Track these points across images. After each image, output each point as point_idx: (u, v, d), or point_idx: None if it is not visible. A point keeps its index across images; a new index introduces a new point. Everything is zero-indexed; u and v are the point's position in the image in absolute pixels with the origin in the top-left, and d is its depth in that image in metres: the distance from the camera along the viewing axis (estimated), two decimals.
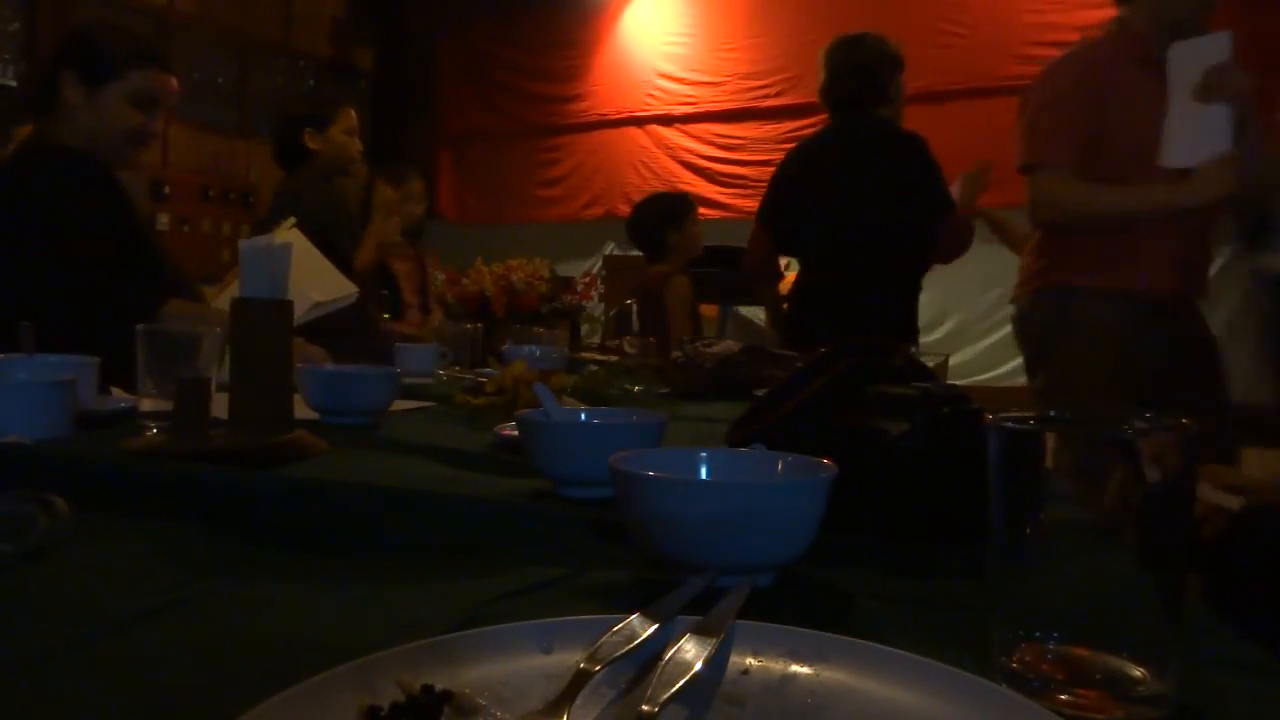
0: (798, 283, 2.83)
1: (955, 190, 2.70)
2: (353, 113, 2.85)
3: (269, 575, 0.60)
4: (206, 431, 0.96)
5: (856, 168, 2.59)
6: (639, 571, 0.61)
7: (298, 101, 3.06)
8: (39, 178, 1.74)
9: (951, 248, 2.64)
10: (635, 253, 5.51)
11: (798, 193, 2.70)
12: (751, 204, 6.16)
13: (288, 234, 1.70)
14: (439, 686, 0.37)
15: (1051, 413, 0.46)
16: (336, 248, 2.23)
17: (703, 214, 6.04)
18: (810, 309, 2.68)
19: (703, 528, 0.56)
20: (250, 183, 6.27)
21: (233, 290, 1.28)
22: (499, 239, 5.65)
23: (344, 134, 2.81)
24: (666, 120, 6.64)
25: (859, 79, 2.62)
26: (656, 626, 0.43)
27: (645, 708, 0.36)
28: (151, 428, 1.03)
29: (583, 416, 0.97)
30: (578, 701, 0.37)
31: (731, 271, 3.71)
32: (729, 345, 2.07)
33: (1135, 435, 0.43)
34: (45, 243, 1.71)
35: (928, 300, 5.05)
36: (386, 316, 2.77)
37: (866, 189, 2.55)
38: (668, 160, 6.57)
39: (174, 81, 1.92)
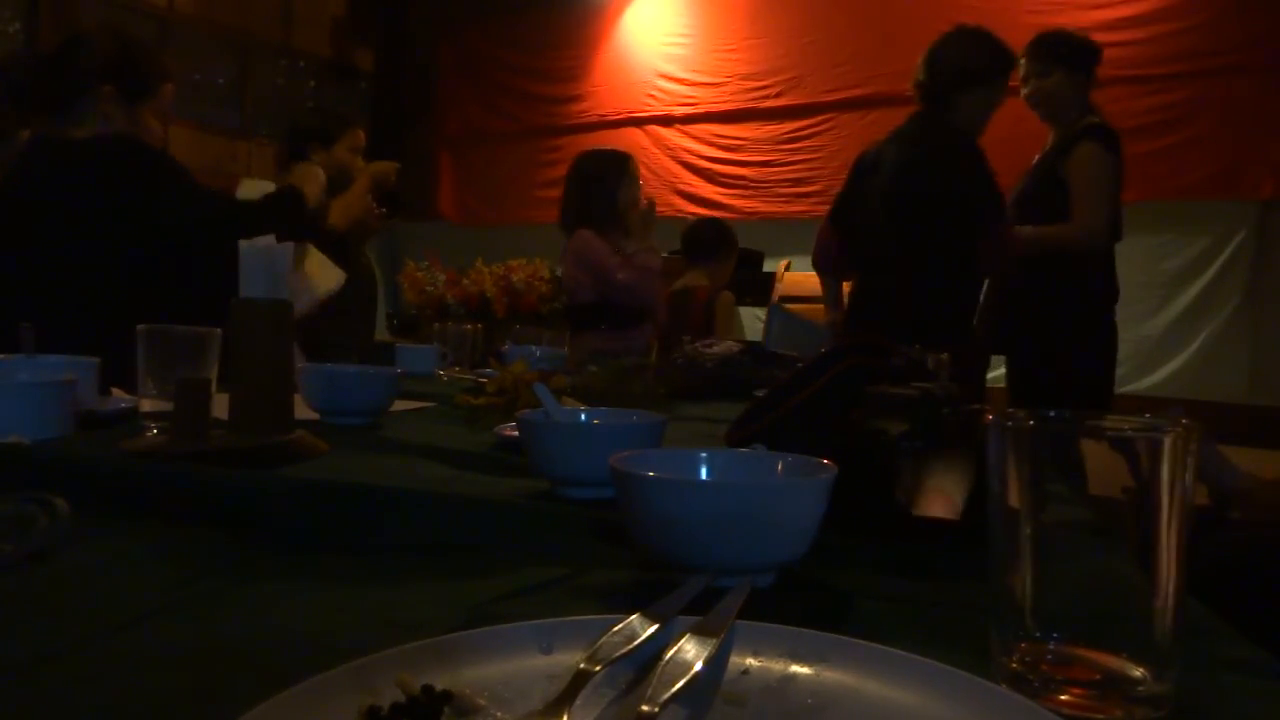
0: (855, 284, 2.76)
1: None
2: (360, 133, 2.95)
3: (269, 575, 0.60)
4: (206, 431, 0.96)
5: (907, 172, 2.51)
6: (639, 572, 0.61)
7: (309, 114, 3.12)
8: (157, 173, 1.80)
9: (991, 260, 2.51)
10: None
11: (860, 192, 2.64)
12: (752, 204, 6.20)
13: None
14: (439, 686, 0.36)
15: (1051, 412, 0.46)
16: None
17: (703, 214, 6.05)
18: (863, 313, 2.60)
19: (703, 528, 0.56)
20: None
21: None
22: (499, 239, 5.63)
23: (348, 151, 2.93)
24: (667, 121, 6.64)
25: (922, 80, 2.56)
26: (656, 627, 0.43)
27: (645, 708, 0.36)
28: (151, 428, 1.03)
29: (583, 416, 0.97)
30: (578, 701, 0.37)
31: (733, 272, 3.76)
32: (729, 345, 2.07)
33: (1135, 435, 0.43)
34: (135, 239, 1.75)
35: None
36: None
37: (914, 195, 2.47)
38: (668, 161, 6.57)
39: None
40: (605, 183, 3.08)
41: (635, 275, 2.94)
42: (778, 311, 3.26)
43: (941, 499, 0.69)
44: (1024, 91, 2.73)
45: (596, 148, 3.51)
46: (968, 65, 2.51)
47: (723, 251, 3.66)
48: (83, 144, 1.78)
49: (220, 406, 1.01)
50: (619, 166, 3.13)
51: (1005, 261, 2.53)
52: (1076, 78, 2.65)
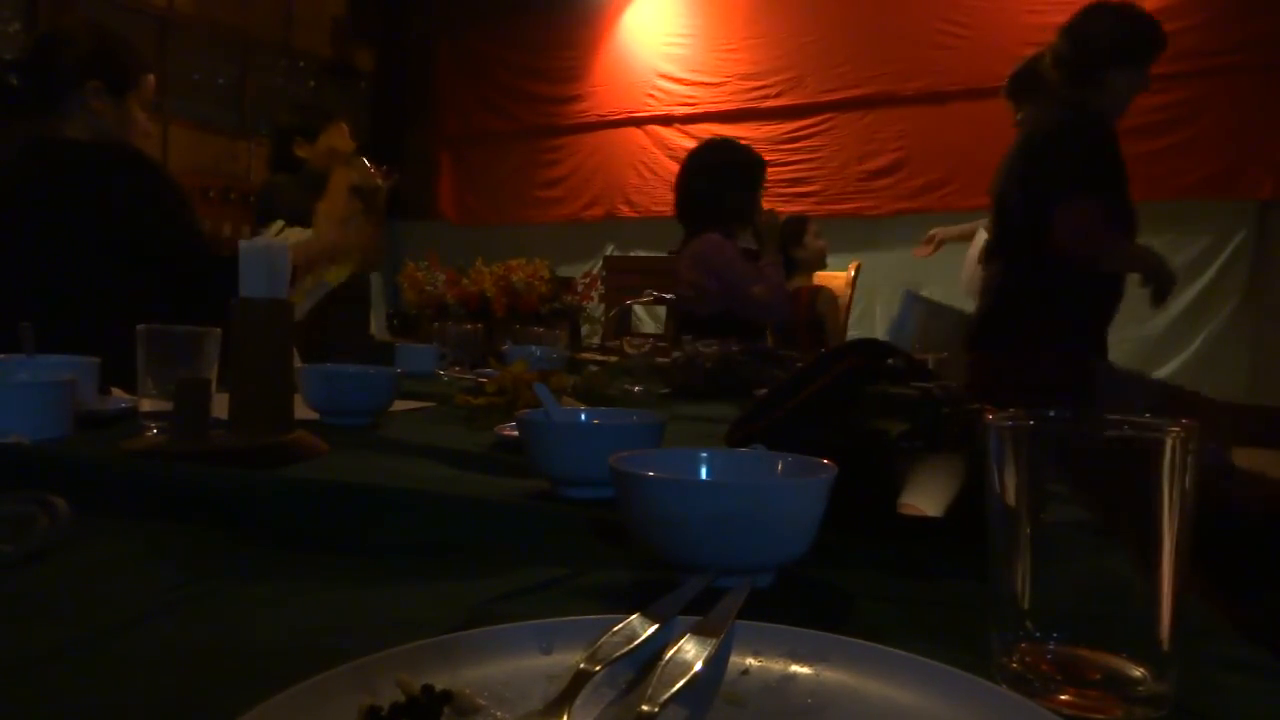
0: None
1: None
2: (344, 126, 2.94)
3: (269, 575, 0.60)
4: (206, 431, 0.96)
5: (1021, 157, 2.33)
6: (639, 571, 0.61)
7: (291, 112, 3.15)
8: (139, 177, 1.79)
9: (1061, 239, 2.18)
10: (635, 253, 5.52)
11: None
12: None
13: (284, 233, 1.73)
14: (439, 686, 0.37)
15: (1051, 412, 0.46)
16: None
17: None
18: (986, 309, 2.48)
19: (703, 528, 0.56)
20: (250, 183, 6.26)
21: None
22: (499, 239, 5.64)
23: (335, 142, 2.97)
24: (666, 121, 6.63)
25: (1066, 56, 2.32)
26: (656, 627, 0.43)
27: (645, 708, 0.36)
28: (151, 428, 1.03)
29: (583, 416, 0.97)
30: (578, 701, 0.37)
31: None
32: (729, 345, 2.07)
33: (1135, 435, 0.43)
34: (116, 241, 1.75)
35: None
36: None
37: (1026, 179, 2.30)
38: (668, 161, 6.55)
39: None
40: (745, 182, 2.82)
41: (771, 291, 2.72)
42: (915, 300, 2.83)
43: (941, 499, 0.69)
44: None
45: (720, 138, 3.15)
46: (1123, 41, 2.27)
47: (789, 241, 3.42)
48: (80, 147, 1.78)
49: (220, 406, 1.01)
50: (759, 167, 2.86)
51: (1077, 245, 2.22)
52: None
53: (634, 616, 0.44)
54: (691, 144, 6.50)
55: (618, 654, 0.41)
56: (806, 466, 0.64)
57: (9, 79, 1.83)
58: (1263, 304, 4.82)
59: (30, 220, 1.74)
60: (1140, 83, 2.32)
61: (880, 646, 0.41)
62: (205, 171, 6.10)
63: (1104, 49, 2.26)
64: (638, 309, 4.73)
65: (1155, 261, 2.32)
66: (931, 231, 3.38)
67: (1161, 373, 4.96)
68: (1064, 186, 2.19)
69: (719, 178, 2.83)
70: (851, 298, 3.97)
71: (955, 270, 3.38)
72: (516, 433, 0.97)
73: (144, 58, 2.00)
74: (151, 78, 1.97)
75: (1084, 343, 2.32)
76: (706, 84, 6.47)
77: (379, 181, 2.96)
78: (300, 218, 2.51)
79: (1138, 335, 4.82)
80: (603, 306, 3.78)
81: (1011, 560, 0.44)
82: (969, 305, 3.07)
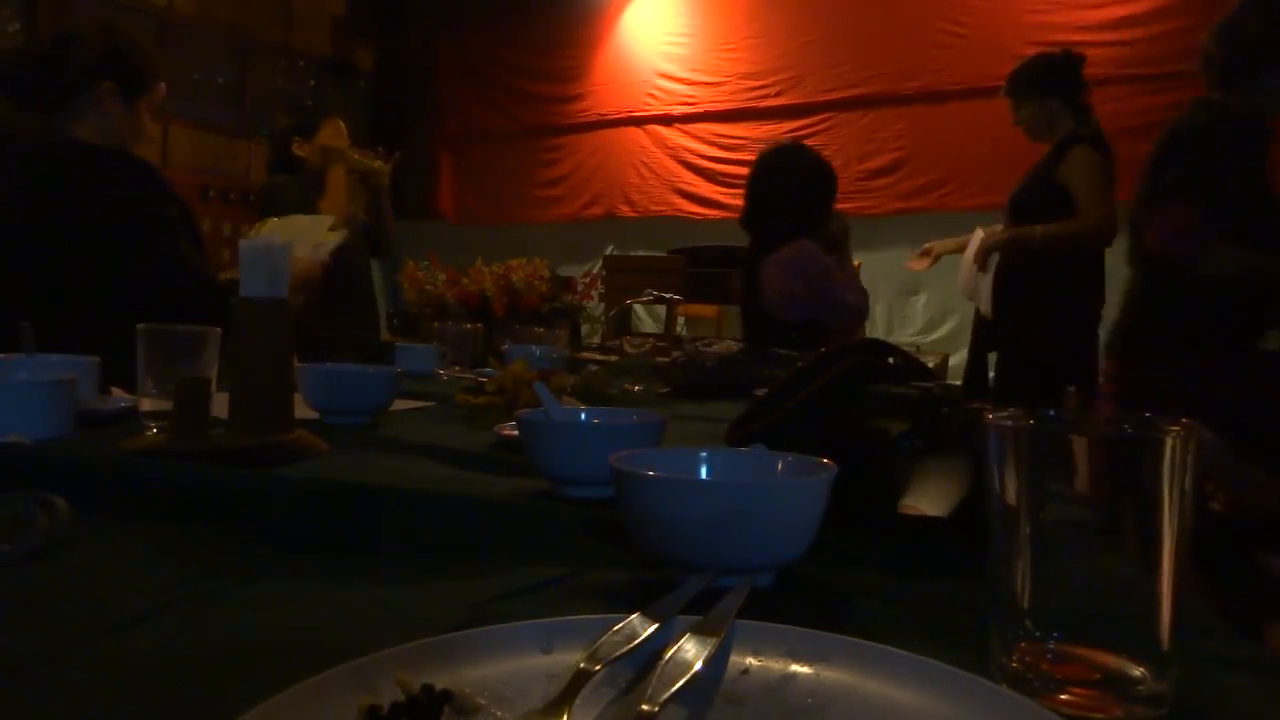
0: None
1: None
2: (340, 122, 2.94)
3: (269, 575, 0.60)
4: (206, 431, 0.96)
5: (1153, 159, 2.21)
6: (639, 571, 0.61)
7: (287, 113, 3.16)
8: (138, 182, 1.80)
9: (1156, 242, 2.10)
10: (636, 253, 5.51)
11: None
12: None
13: (273, 229, 1.74)
14: (439, 686, 0.37)
15: (1051, 412, 0.46)
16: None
17: (703, 214, 6.06)
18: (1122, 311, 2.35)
19: (703, 528, 0.56)
20: (250, 183, 6.26)
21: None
22: (499, 239, 5.63)
23: (331, 139, 2.94)
24: (666, 120, 6.63)
25: (1214, 56, 2.15)
26: (656, 626, 0.43)
27: (645, 707, 0.36)
28: (151, 428, 1.03)
29: (583, 416, 0.97)
30: (578, 701, 0.37)
31: (731, 271, 3.73)
32: (729, 345, 2.07)
33: (1135, 435, 0.43)
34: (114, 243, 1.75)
35: (928, 300, 5.06)
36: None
37: (1155, 182, 2.19)
38: (668, 160, 6.56)
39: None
40: (828, 190, 2.76)
41: (860, 297, 2.71)
42: None
43: (941, 499, 0.69)
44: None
45: (795, 144, 3.03)
46: (1277, 38, 2.07)
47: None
48: (89, 151, 1.78)
49: (220, 406, 1.01)
50: (834, 172, 2.80)
51: (1168, 248, 2.10)
52: (1048, 103, 2.72)
53: (634, 616, 0.44)
54: (692, 143, 6.54)
55: (618, 653, 0.41)
56: (806, 466, 0.64)
57: (22, 73, 1.83)
58: None
59: (33, 220, 1.74)
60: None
61: (880, 646, 0.41)
62: (205, 171, 6.10)
63: (1257, 48, 2.11)
64: (638, 309, 4.73)
65: (1271, 266, 2.23)
66: (927, 245, 3.38)
67: None
68: (1167, 189, 2.11)
69: (803, 184, 2.75)
70: None
71: (953, 272, 3.38)
72: (516, 432, 0.97)
73: (156, 64, 1.99)
74: (162, 85, 1.97)
75: (1231, 348, 2.15)
76: (706, 84, 6.46)
77: (376, 164, 2.98)
78: (295, 210, 2.52)
79: None
80: (603, 306, 3.78)
81: (1011, 560, 0.44)
82: (968, 307, 3.06)
